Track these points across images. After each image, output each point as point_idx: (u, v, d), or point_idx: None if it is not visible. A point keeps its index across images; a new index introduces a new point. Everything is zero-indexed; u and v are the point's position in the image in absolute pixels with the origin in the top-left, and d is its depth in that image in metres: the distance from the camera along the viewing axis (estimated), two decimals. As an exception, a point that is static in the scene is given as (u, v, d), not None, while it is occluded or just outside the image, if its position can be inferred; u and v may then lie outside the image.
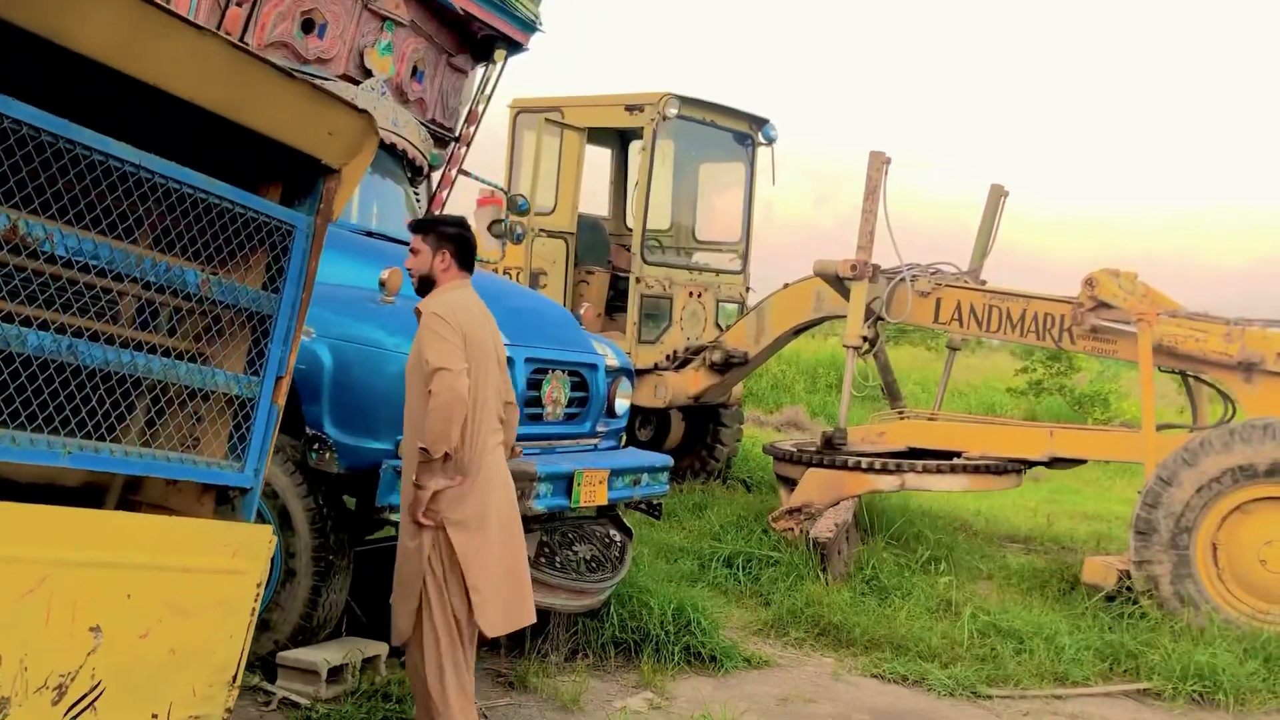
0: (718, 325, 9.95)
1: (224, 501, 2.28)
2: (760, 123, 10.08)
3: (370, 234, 5.70)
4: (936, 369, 22.65)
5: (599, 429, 5.76)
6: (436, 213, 6.84)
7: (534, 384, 5.20)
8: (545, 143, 9.40)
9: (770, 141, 10.11)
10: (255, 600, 2.22)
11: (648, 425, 10.36)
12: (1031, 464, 7.91)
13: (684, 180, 10.61)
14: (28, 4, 1.67)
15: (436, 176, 6.89)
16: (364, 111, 2.25)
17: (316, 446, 4.52)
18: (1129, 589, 6.55)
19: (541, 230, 9.13)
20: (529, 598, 4.17)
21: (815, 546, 6.88)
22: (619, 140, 10.90)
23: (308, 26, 5.50)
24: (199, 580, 2.10)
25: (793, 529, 7.52)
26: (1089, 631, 6.12)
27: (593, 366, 5.61)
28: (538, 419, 5.27)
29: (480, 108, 6.78)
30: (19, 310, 1.86)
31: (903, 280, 8.06)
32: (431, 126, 6.53)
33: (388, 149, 5.96)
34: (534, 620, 4.24)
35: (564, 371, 5.38)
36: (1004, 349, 29.05)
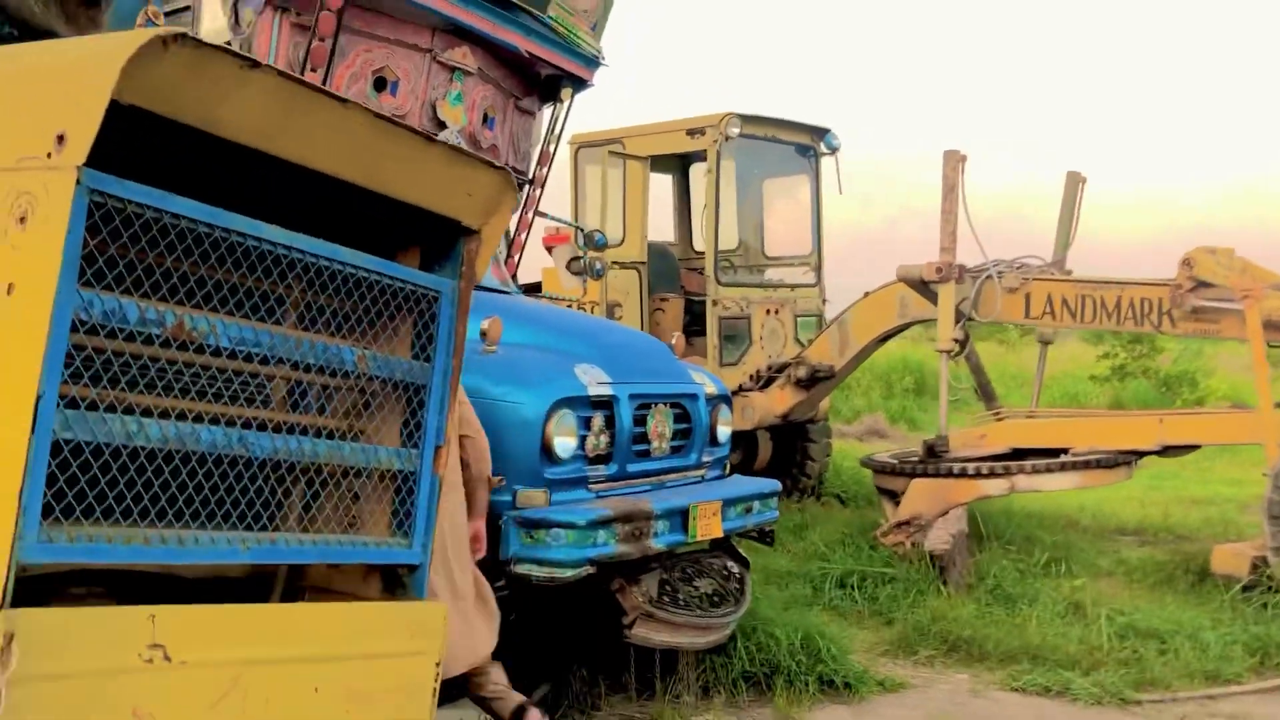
0: (798, 341, 9.81)
1: (391, 580, 2.22)
2: (821, 133, 9.97)
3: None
4: (1011, 364, 22.36)
5: (704, 459, 5.66)
6: (517, 256, 6.82)
7: (639, 420, 5.12)
8: (609, 175, 9.36)
9: (833, 150, 9.99)
10: (435, 680, 2.15)
11: (735, 448, 10.22)
12: (1143, 454, 7.65)
13: (748, 198, 10.53)
14: (193, 100, 1.63)
15: (513, 221, 6.87)
16: (501, 169, 2.18)
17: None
18: (1268, 577, 6.27)
19: (613, 262, 9.07)
20: (477, 634, 4.06)
21: (933, 559, 6.70)
22: (679, 165, 10.85)
23: (380, 85, 5.50)
24: (381, 666, 2.04)
25: (903, 542, 7.34)
26: (1232, 625, 5.87)
27: (694, 396, 5.51)
28: (645, 455, 5.18)
29: (551, 148, 6.75)
30: (189, 406, 1.82)
31: (989, 278, 7.87)
32: (505, 171, 6.51)
33: (466, 198, 5.96)
34: (488, 653, 4.14)
35: (666, 404, 5.29)
36: (1078, 335, 28.54)
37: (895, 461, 7.99)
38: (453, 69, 5.80)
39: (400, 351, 2.18)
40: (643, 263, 9.41)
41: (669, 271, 10.31)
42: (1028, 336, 28.00)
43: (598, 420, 4.84)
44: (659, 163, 10.29)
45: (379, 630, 2.09)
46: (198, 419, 1.84)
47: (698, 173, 10.75)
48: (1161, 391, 16.85)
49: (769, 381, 9.37)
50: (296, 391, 2.13)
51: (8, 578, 1.52)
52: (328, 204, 2.15)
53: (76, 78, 1.58)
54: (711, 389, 5.75)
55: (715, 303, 9.15)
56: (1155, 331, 7.50)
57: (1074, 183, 8.75)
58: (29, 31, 2.37)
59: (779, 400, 9.26)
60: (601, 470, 4.89)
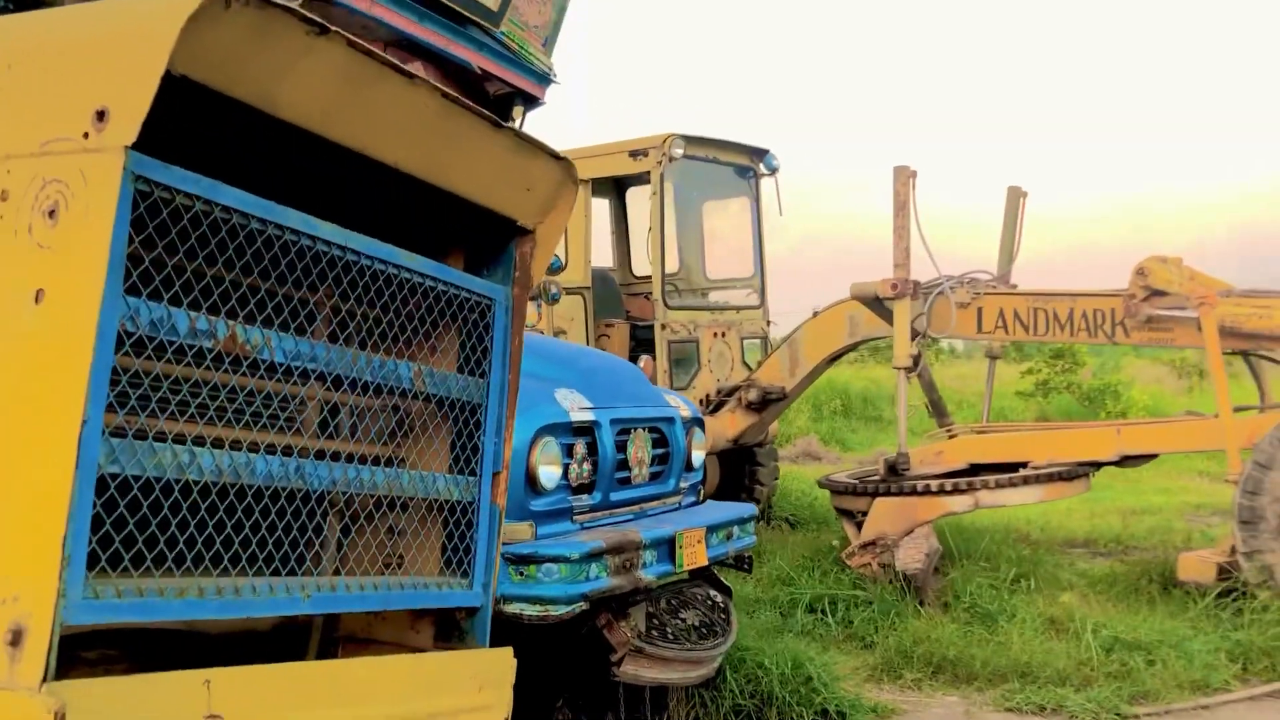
0: (745, 363, 9.69)
1: (445, 626, 1.96)
2: (760, 154, 9.90)
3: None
4: (936, 377, 22.68)
5: (681, 485, 5.46)
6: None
7: (619, 446, 4.90)
8: (549, 199, 9.14)
9: (773, 171, 9.92)
10: (507, 735, 1.90)
11: (685, 475, 10.04)
12: (1100, 465, 7.67)
13: (689, 220, 10.39)
14: (253, 72, 1.38)
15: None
16: (563, 159, 1.97)
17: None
18: (1242, 582, 6.28)
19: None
20: None
21: (906, 579, 6.58)
22: (615, 189, 10.69)
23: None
24: (449, 724, 1.78)
25: (870, 564, 7.22)
26: (1212, 634, 5.84)
27: (670, 420, 5.31)
28: (626, 483, 4.95)
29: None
30: (244, 435, 1.56)
31: (942, 294, 7.84)
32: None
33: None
34: None
35: (645, 429, 5.08)
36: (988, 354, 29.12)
37: (855, 481, 7.88)
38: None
39: (449, 366, 1.94)
40: (587, 288, 9.20)
41: (611, 297, 10.11)
42: (941, 355, 28.48)
43: (580, 447, 4.61)
44: (597, 187, 10.10)
45: (445, 684, 1.83)
46: (251, 448, 1.57)
47: (635, 196, 10.60)
48: (1085, 405, 17.16)
49: (719, 405, 9.21)
50: (341, 414, 1.87)
51: (51, 643, 1.25)
52: (350, 205, 1.90)
53: (120, 44, 1.32)
54: (686, 412, 5.55)
55: (664, 326, 8.98)
56: (1109, 342, 7.53)
57: (1015, 197, 8.82)
58: (22, 2, 2.08)
59: (730, 424, 9.11)
60: (585, 500, 4.65)
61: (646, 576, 4.57)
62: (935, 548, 6.90)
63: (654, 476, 5.21)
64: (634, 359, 9.63)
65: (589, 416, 4.63)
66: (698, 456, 5.64)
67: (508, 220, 1.93)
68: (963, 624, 6.23)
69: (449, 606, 1.93)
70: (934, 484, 7.32)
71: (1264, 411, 7.31)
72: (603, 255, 10.82)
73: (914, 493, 7.34)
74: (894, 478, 7.59)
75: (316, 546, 1.92)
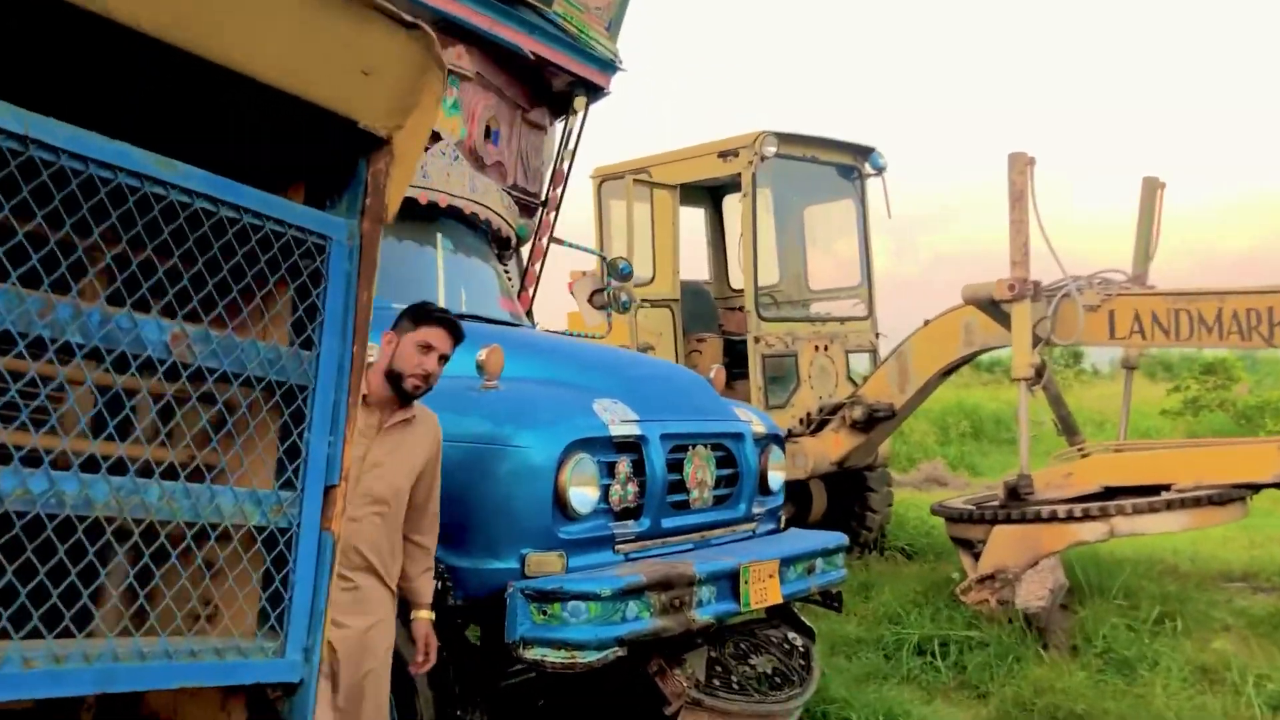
0: (851, 379, 8.92)
1: (260, 707, 1.38)
2: (865, 152, 9.16)
3: (462, 316, 4.88)
4: (1075, 398, 21.17)
5: (754, 510, 4.78)
6: (531, 288, 6.03)
7: (674, 465, 4.26)
8: (635, 208, 8.60)
9: (879, 171, 9.16)
10: None
11: (787, 500, 9.28)
12: (1259, 488, 6.66)
13: (789, 227, 9.71)
14: None
15: (526, 249, 6.09)
16: (418, 27, 1.39)
17: (424, 576, 3.60)
18: None
19: (644, 300, 8.27)
20: None
21: (1027, 619, 5.74)
22: (711, 198, 10.07)
23: (360, 90, 4.76)
24: None
25: (988, 600, 6.38)
26: (1404, 688, 4.85)
27: (738, 436, 4.65)
28: (684, 507, 4.31)
29: (565, 165, 5.98)
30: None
31: (1067, 295, 6.96)
32: (514, 194, 5.75)
33: (468, 221, 5.18)
34: None
35: (707, 446, 4.43)
36: (1143, 368, 27.26)
37: (972, 508, 7.04)
38: (447, 73, 5.05)
39: (276, 337, 1.36)
40: (675, 300, 8.60)
41: (705, 311, 9.49)
42: (1081, 375, 26.80)
43: (624, 466, 4.00)
44: (689, 195, 9.52)
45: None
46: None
47: (732, 205, 9.98)
48: (1241, 425, 15.68)
49: (821, 425, 8.47)
50: (112, 408, 1.31)
51: None
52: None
53: None
54: (760, 427, 4.88)
55: (758, 340, 8.29)
56: (1265, 345, 6.54)
57: (1151, 189, 7.86)
58: None
59: (833, 445, 8.36)
60: (630, 526, 4.03)
61: (701, 617, 3.91)
62: (1061, 583, 6.01)
63: (719, 500, 4.56)
64: (730, 377, 8.99)
65: (633, 430, 4.02)
66: (775, 478, 4.97)
67: (349, 125, 1.35)
68: (1094, 672, 5.36)
69: (251, 681, 1.35)
70: (1061, 509, 6.44)
71: None
72: (698, 268, 10.23)
73: (1038, 519, 6.47)
74: (1015, 503, 6.73)
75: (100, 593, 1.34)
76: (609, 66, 5.80)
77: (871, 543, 9.23)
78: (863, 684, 5.73)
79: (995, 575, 6.40)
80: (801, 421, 8.54)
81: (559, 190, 5.97)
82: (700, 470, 4.39)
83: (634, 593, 3.62)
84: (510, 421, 3.73)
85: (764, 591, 4.27)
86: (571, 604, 3.48)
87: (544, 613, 3.50)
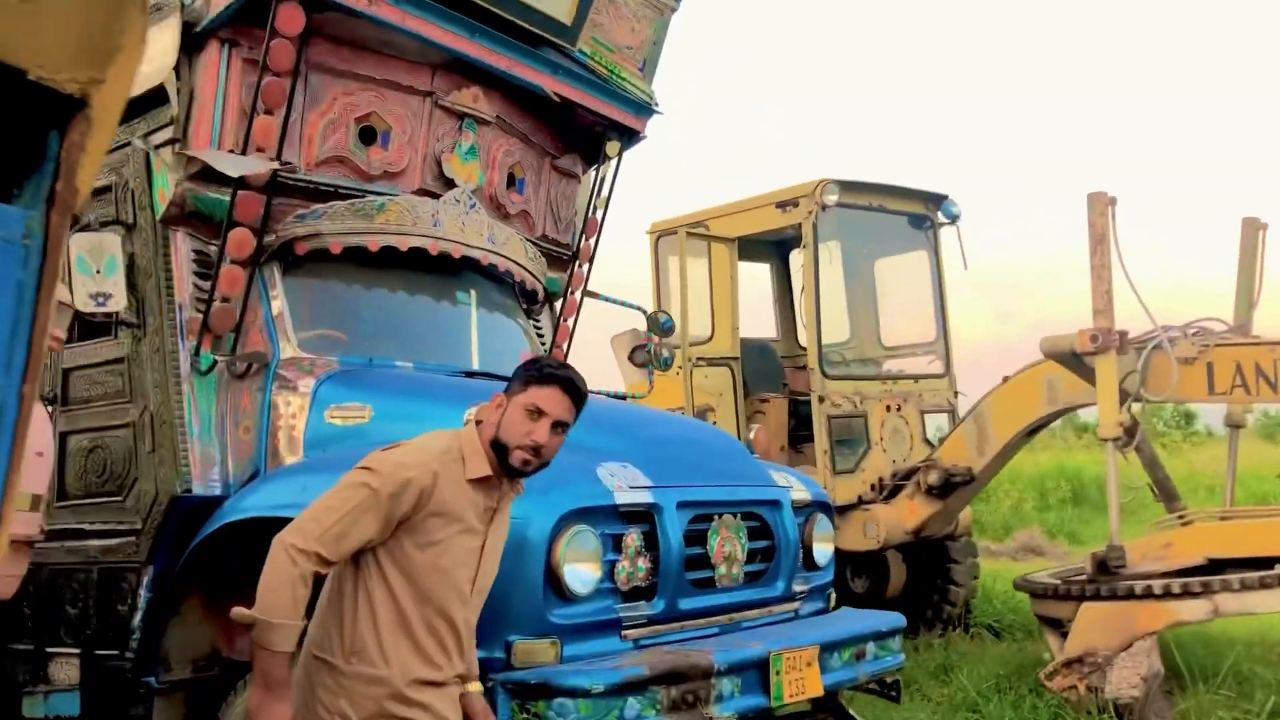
0: (927, 441, 8.32)
1: None
2: (938, 200, 8.65)
3: (472, 374, 4.52)
4: (1176, 468, 19.88)
5: (796, 588, 4.28)
6: (564, 345, 5.65)
7: (697, 538, 3.80)
8: (691, 263, 8.21)
9: (953, 220, 8.63)
10: None
11: (861, 574, 8.69)
12: (1389, 561, 5.89)
13: (859, 281, 9.21)
14: None
15: (559, 304, 5.73)
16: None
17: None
18: None
19: (700, 360, 7.84)
20: None
21: (1118, 711, 5.07)
22: (777, 252, 9.65)
23: (367, 136, 4.49)
24: None
25: (1076, 686, 5.72)
26: None
27: (775, 504, 4.16)
28: (708, 585, 3.83)
29: (599, 213, 5.62)
30: None
31: (1158, 346, 6.33)
32: (544, 245, 5.41)
33: (486, 272, 4.84)
34: None
35: (736, 515, 3.96)
36: (1256, 429, 25.70)
37: (1058, 582, 6.38)
38: (462, 116, 4.75)
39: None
40: (735, 359, 8.15)
41: (770, 370, 9.01)
42: (1193, 437, 25.38)
43: (633, 539, 3.55)
44: (753, 250, 9.11)
45: None
46: None
47: (798, 260, 9.52)
48: (1370, 488, 14.48)
49: (895, 491, 7.89)
50: None
51: None
52: None
53: None
54: (803, 494, 4.39)
55: (822, 399, 7.78)
56: (1390, 400, 5.82)
57: (1252, 230, 7.19)
58: None
59: (909, 512, 7.76)
60: (642, 609, 3.57)
61: (721, 715, 3.41)
62: (1157, 669, 5.32)
63: (752, 578, 4.07)
64: (797, 440, 8.48)
65: (645, 498, 3.58)
66: (822, 551, 4.46)
67: (26, 83, 0.98)
68: (1198, 776, 4.67)
69: None
70: (1157, 585, 5.76)
71: None
72: (765, 326, 9.77)
73: (1131, 596, 5.80)
74: (1105, 577, 6.07)
75: None
76: (644, 109, 5.45)
77: (955, 619, 8.55)
78: (931, 783, 5.12)
79: (1084, 659, 5.74)
80: (873, 488, 7.97)
81: (592, 241, 5.61)
82: (728, 543, 3.92)
83: (635, 687, 3.15)
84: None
85: (800, 683, 3.76)
86: (558, 701, 3.02)
87: (527, 710, 3.05)
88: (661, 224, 8.85)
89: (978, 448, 7.48)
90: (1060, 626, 6.23)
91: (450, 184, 4.71)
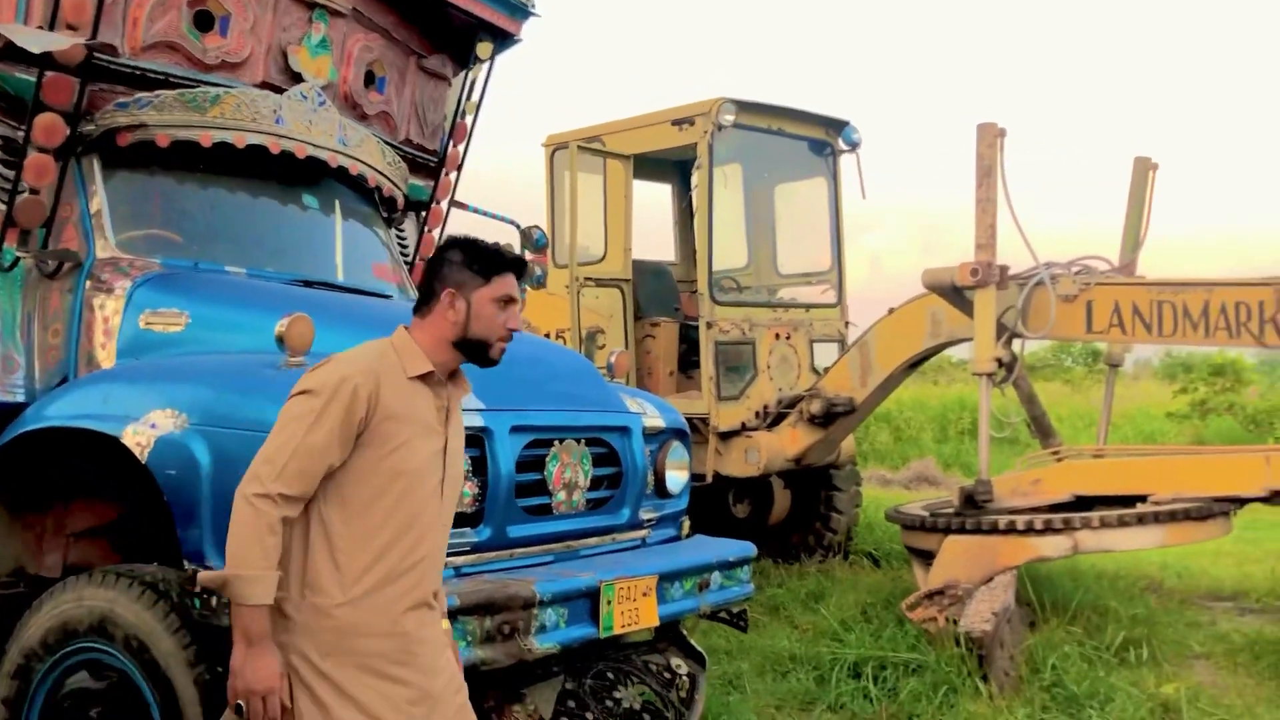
0: (815, 370, 8.27)
1: None
2: (839, 126, 8.48)
3: (311, 284, 4.26)
4: (1079, 405, 20.30)
5: (644, 517, 4.16)
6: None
7: (533, 463, 3.65)
8: (584, 179, 7.96)
9: (854, 147, 8.48)
10: None
11: (745, 499, 8.68)
12: (1244, 502, 5.99)
13: (758, 206, 9.05)
14: None
15: (426, 215, 5.47)
16: None
17: (201, 590, 2.98)
18: None
19: (588, 280, 7.64)
20: None
21: (970, 643, 5.09)
22: (679, 173, 9.42)
23: (203, 21, 4.16)
24: None
25: (935, 618, 5.75)
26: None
27: (623, 430, 4.02)
28: (544, 512, 3.69)
29: (468, 119, 5.35)
30: None
31: (1040, 283, 6.30)
32: (407, 149, 5.13)
33: (337, 175, 4.56)
34: None
35: (579, 441, 3.81)
36: (1150, 371, 26.36)
37: (926, 514, 6.40)
38: (312, 5, 4.43)
39: None
40: (627, 280, 7.95)
41: (665, 293, 8.85)
42: (1096, 373, 25.95)
43: (459, 464, 3.37)
44: (649, 169, 8.88)
45: None
46: None
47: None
48: (1250, 430, 14.95)
49: (779, 418, 7.84)
50: None
51: None
52: None
53: None
54: (656, 420, 4.26)
55: (710, 325, 7.65)
56: (1255, 344, 5.86)
57: (1142, 170, 7.16)
58: None
59: (790, 440, 7.72)
60: (467, 535, 3.42)
61: (541, 646, 3.30)
62: (1009, 605, 5.35)
63: (596, 505, 3.94)
64: (686, 365, 8.37)
65: (474, 421, 3.39)
66: (675, 478, 4.34)
67: None
68: (1038, 709, 4.72)
69: None
70: (1020, 520, 5.79)
71: None
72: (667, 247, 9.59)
73: (994, 530, 5.83)
74: (971, 511, 6.09)
75: None
76: (519, 10, 5.16)
77: (836, 546, 8.60)
78: (782, 711, 5.12)
79: (945, 591, 5.76)
80: (758, 415, 7.91)
81: (461, 147, 5.34)
82: (569, 470, 3.77)
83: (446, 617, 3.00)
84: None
85: (634, 613, 3.66)
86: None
87: (325, 639, 2.88)
88: (557, 137, 8.57)
89: (861, 378, 7.44)
90: (928, 558, 6.26)
91: (298, 79, 4.40)
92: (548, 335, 8.24)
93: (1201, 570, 8.27)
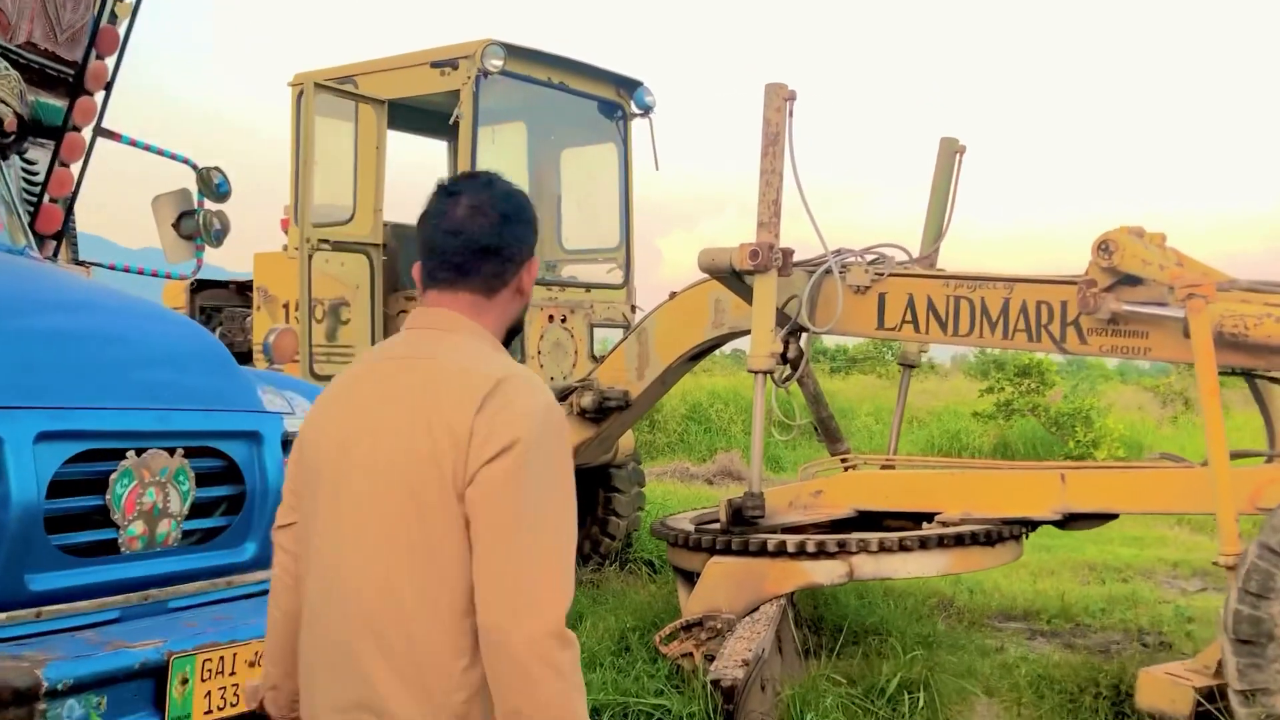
0: (594, 357, 7.39)
1: None
2: (631, 87, 7.60)
3: None
4: (894, 400, 20.11)
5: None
6: (65, 198, 4.24)
7: (90, 484, 2.60)
8: (334, 126, 6.85)
9: (647, 111, 7.62)
10: None
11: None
12: (1037, 524, 5.40)
13: (544, 172, 8.11)
14: None
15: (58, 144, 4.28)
16: None
17: None
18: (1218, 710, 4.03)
19: (323, 242, 6.53)
20: None
21: (720, 693, 4.28)
22: (453, 128, 8.36)
23: None
24: None
25: (691, 653, 4.94)
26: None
27: (251, 436, 3.00)
28: (109, 550, 2.65)
29: (121, 26, 4.20)
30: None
31: (829, 271, 5.55)
32: (27, 56, 3.94)
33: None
34: None
35: (172, 452, 2.77)
36: (965, 366, 26.67)
37: (692, 529, 5.59)
38: None
39: None
40: (376, 245, 6.87)
41: (431, 264, 7.79)
42: (916, 372, 25.98)
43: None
44: (424, 121, 7.80)
45: None
46: None
47: (482, 138, 8.29)
48: (1051, 431, 14.89)
49: (548, 411, 6.91)
50: None
51: None
52: None
53: None
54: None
55: (470, 303, 6.64)
56: (1056, 349, 5.25)
57: (949, 152, 6.49)
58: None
59: (559, 437, 6.80)
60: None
61: (48, 755, 2.25)
62: (762, 650, 4.54)
63: (206, 537, 2.91)
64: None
65: (-32, 426, 2.32)
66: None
67: None
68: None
69: None
70: (791, 541, 5.03)
71: (1275, 461, 5.04)
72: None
73: (762, 552, 5.05)
74: (740, 527, 5.30)
75: None
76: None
77: (615, 553, 7.78)
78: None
79: (704, 622, 4.96)
80: (524, 406, 6.96)
81: (110, 61, 4.19)
82: (154, 491, 2.73)
83: None
84: None
85: (232, 693, 2.65)
86: None
87: None
88: (306, 75, 7.38)
89: (638, 370, 6.58)
90: (692, 580, 5.46)
91: None
92: (285, 306, 7.12)
93: (994, 586, 7.78)
